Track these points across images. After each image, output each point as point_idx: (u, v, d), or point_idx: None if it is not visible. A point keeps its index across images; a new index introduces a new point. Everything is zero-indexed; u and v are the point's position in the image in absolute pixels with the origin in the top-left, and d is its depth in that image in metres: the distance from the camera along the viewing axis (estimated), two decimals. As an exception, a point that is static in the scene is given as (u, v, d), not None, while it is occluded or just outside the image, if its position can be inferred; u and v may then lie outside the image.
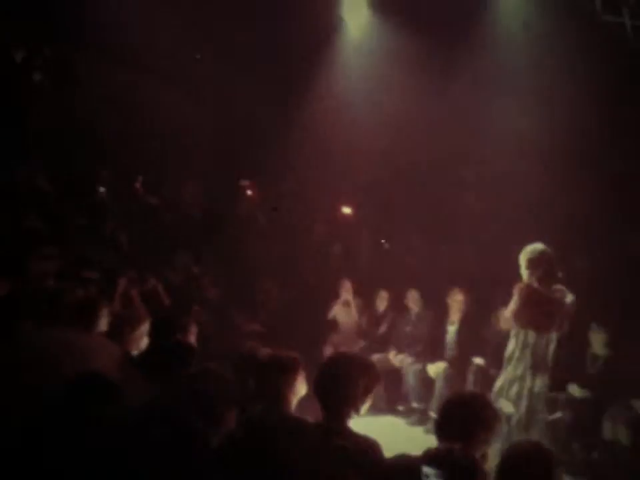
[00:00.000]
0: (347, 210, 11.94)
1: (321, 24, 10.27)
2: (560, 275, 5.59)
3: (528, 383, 5.47)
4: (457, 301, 8.23)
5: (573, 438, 6.53)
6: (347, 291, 9.30)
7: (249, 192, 12.17)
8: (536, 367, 5.48)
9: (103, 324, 4.76)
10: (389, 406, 8.20)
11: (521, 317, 5.51)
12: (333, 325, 9.25)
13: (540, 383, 5.49)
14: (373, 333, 9.20)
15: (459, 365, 7.76)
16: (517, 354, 5.56)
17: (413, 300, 8.81)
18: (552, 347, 5.55)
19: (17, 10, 8.69)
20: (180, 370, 3.66)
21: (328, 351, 8.70)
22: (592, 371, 6.97)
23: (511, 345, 5.63)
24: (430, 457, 3.06)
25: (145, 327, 4.74)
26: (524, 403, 5.44)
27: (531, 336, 5.52)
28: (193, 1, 9.56)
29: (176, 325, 4.69)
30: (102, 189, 10.28)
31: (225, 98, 11.36)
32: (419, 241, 10.68)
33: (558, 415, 6.59)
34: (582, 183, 8.83)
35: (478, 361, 7.56)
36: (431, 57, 9.31)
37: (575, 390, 6.79)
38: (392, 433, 7.40)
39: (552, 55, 8.70)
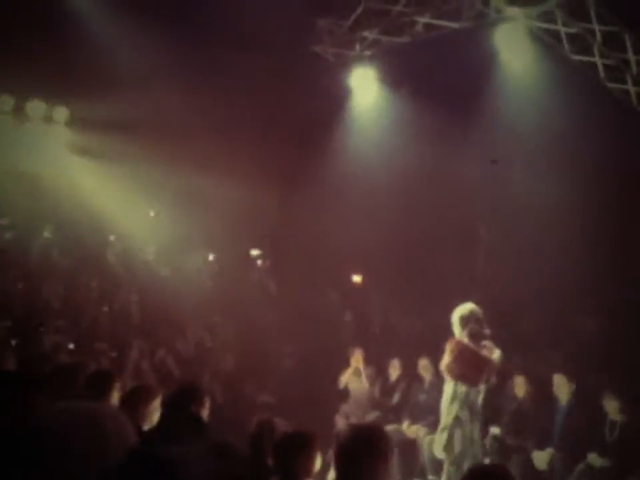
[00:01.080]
0: (357, 278, 11.96)
1: (331, 94, 10.51)
2: (487, 331, 6.06)
3: (460, 429, 5.88)
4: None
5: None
6: (357, 360, 9.19)
7: (260, 261, 12.23)
8: (469, 414, 5.91)
9: (115, 398, 4.72)
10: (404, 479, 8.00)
11: (453, 370, 5.95)
12: (344, 394, 9.14)
13: (471, 428, 5.92)
14: (385, 403, 9.06)
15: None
16: (447, 404, 6.00)
17: (425, 368, 8.68)
18: (480, 397, 6.02)
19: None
20: (192, 444, 3.61)
21: (339, 421, 8.58)
22: (610, 439, 6.84)
23: (445, 396, 6.06)
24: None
25: (158, 402, 4.69)
26: (456, 449, 5.84)
27: (460, 388, 5.94)
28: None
29: (190, 398, 4.64)
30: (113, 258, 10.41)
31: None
32: (430, 307, 10.65)
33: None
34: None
35: (495, 430, 7.42)
36: (440, 125, 9.49)
37: (594, 459, 6.66)
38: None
39: (559, 121, 8.85)
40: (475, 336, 6.00)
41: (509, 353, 8.93)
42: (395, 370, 9.16)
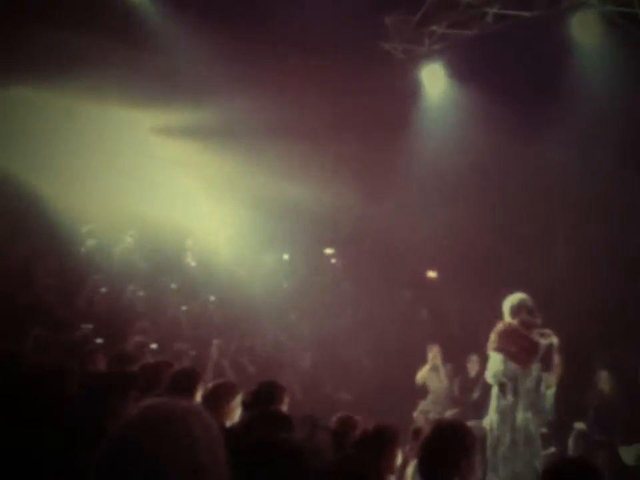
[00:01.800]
0: (432, 274, 11.87)
1: (403, 92, 10.48)
2: (539, 321, 6.00)
3: (512, 417, 5.82)
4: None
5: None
6: (435, 356, 9.15)
7: (333, 260, 12.27)
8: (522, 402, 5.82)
9: (199, 396, 4.82)
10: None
11: (496, 344, 5.96)
12: (422, 391, 9.10)
13: (522, 417, 5.79)
14: (465, 399, 8.98)
15: (557, 430, 7.47)
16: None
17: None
18: (542, 387, 5.94)
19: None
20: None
21: (418, 418, 8.55)
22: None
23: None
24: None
25: (239, 399, 4.76)
26: (508, 437, 5.76)
27: (512, 371, 5.91)
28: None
29: (271, 396, 4.71)
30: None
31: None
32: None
33: (551, 449, 6.51)
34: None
35: (580, 425, 7.27)
36: (515, 117, 9.33)
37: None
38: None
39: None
40: (526, 325, 5.95)
41: (591, 347, 8.80)
42: (474, 366, 9.06)
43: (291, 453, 2.30)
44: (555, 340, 6.01)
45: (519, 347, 5.90)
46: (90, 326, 7.44)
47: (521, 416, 5.84)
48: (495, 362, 6.03)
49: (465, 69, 10.32)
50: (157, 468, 1.89)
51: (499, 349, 5.97)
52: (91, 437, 2.82)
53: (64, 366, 4.45)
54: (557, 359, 6.14)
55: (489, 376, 6.12)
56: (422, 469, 3.34)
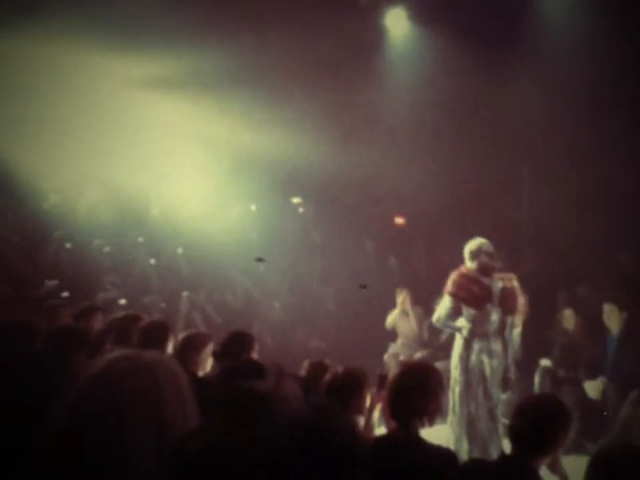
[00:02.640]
0: (400, 220, 11.92)
1: (366, 34, 10.34)
2: (498, 264, 6.19)
3: (466, 359, 6.07)
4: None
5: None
6: (404, 301, 9.27)
7: (301, 209, 12.25)
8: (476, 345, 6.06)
9: (170, 348, 4.84)
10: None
11: (453, 294, 6.13)
12: (392, 334, 9.25)
13: (476, 359, 6.04)
14: (434, 341, 9.14)
15: (525, 368, 7.65)
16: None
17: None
18: (507, 331, 6.17)
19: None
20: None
21: (389, 361, 8.70)
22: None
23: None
24: (505, 462, 3.06)
25: (210, 349, 4.78)
26: (463, 378, 6.03)
27: (471, 315, 6.12)
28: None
29: (242, 345, 4.73)
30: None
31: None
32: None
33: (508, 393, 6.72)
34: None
35: (545, 362, 7.46)
36: (479, 60, 9.26)
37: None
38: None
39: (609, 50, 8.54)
40: (485, 269, 6.08)
41: (556, 287, 8.96)
42: (442, 309, 9.20)
43: (257, 400, 2.32)
44: (515, 283, 6.16)
45: (469, 292, 6.07)
46: (55, 282, 7.36)
47: (475, 358, 6.00)
48: (442, 305, 6.26)
49: (428, 12, 10.19)
50: (122, 421, 1.90)
51: (450, 293, 6.15)
52: (48, 392, 2.84)
53: (28, 323, 4.43)
54: (520, 301, 6.28)
55: (434, 318, 6.37)
56: (391, 409, 3.42)
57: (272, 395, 2.37)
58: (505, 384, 6.18)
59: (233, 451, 1.99)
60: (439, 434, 4.49)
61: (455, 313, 6.25)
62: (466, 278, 6.13)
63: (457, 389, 6.03)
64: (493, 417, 5.93)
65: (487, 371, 6.01)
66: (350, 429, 3.46)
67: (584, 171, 9.35)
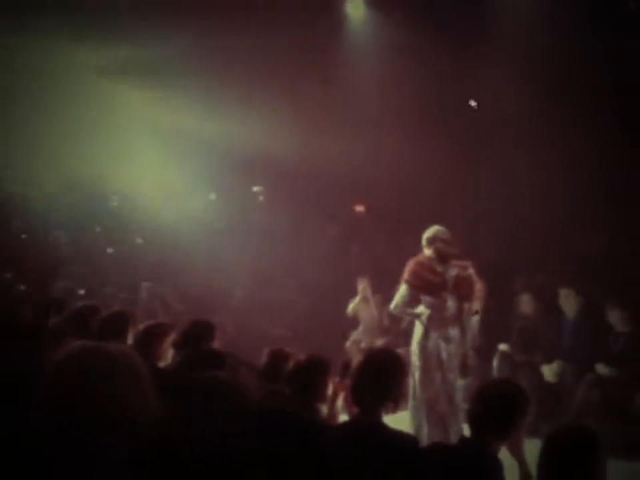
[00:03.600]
0: (360, 208, 11.97)
1: (326, 21, 10.29)
2: (454, 251, 6.20)
3: (423, 344, 6.12)
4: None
5: (604, 417, 6.53)
6: (365, 288, 9.32)
7: (261, 197, 12.24)
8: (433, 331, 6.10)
9: (130, 338, 4.80)
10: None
11: (409, 282, 6.16)
12: (353, 321, 9.30)
13: (434, 344, 6.09)
14: (395, 328, 9.22)
15: (484, 353, 7.77)
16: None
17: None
18: (464, 317, 6.21)
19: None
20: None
21: (350, 348, 8.75)
22: (616, 349, 6.98)
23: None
24: (464, 445, 3.12)
25: (171, 339, 4.75)
26: (421, 363, 6.08)
27: (428, 302, 6.16)
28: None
29: (202, 333, 4.71)
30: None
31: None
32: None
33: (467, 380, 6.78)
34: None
35: (503, 347, 7.57)
36: (441, 48, 9.28)
37: (602, 369, 6.81)
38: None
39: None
40: (441, 255, 6.12)
41: (513, 273, 9.10)
42: (402, 296, 9.27)
43: (213, 390, 2.32)
44: (470, 270, 6.22)
45: (424, 280, 6.12)
46: (8, 275, 7.24)
47: (432, 343, 6.08)
48: (399, 293, 6.29)
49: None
50: (81, 412, 1.89)
51: (406, 281, 6.20)
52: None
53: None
54: (477, 287, 6.37)
55: (392, 306, 6.38)
56: (354, 395, 3.45)
57: (227, 384, 2.37)
58: (464, 370, 6.26)
59: (189, 441, 2.00)
60: (400, 420, 4.55)
61: (412, 300, 6.30)
62: (421, 265, 6.18)
63: (417, 375, 6.10)
64: (451, 401, 6.02)
65: (444, 356, 6.09)
66: (308, 415, 3.49)
67: (547, 149, 9.45)
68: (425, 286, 6.15)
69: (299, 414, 3.41)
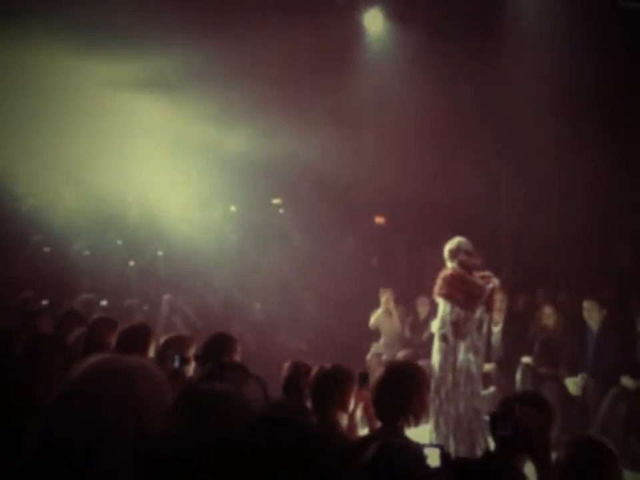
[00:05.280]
0: (380, 219, 11.93)
1: (344, 33, 10.33)
2: (477, 262, 6.21)
3: (453, 358, 6.01)
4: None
5: (629, 430, 6.42)
6: (387, 300, 9.25)
7: (281, 210, 12.24)
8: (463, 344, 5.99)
9: (152, 351, 4.79)
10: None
11: (441, 290, 6.10)
12: (374, 334, 9.24)
13: (463, 358, 5.96)
14: (416, 340, 9.15)
15: (506, 366, 7.68)
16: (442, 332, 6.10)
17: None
18: (484, 328, 6.19)
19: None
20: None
21: (371, 361, 8.70)
22: (642, 361, 6.88)
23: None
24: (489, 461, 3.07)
25: (192, 351, 4.74)
26: (450, 377, 5.97)
27: (457, 314, 6.02)
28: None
29: (223, 347, 4.69)
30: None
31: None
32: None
33: (491, 389, 6.71)
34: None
35: (526, 359, 7.48)
36: (458, 58, 9.29)
37: (627, 381, 6.70)
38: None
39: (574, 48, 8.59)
40: (465, 266, 6.10)
41: (536, 285, 9.02)
42: (423, 308, 9.21)
43: (216, 402, 2.31)
44: (495, 281, 6.18)
45: (465, 293, 6.02)
46: (30, 292, 7.23)
47: (462, 357, 6.00)
48: (442, 310, 6.16)
49: (405, 12, 10.21)
50: (101, 425, 1.88)
51: (445, 295, 6.09)
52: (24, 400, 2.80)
53: (6, 332, 4.37)
54: (498, 299, 6.31)
55: (437, 327, 6.21)
56: (376, 408, 3.42)
57: (232, 397, 2.35)
58: (485, 381, 6.19)
59: (191, 452, 1.99)
60: (420, 434, 4.50)
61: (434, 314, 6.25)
62: (458, 278, 6.08)
63: (444, 389, 6.00)
64: (478, 416, 5.93)
65: (474, 369, 6.00)
66: (311, 425, 3.45)
67: (562, 166, 9.39)
68: (464, 299, 6.04)
69: (299, 422, 3.36)
